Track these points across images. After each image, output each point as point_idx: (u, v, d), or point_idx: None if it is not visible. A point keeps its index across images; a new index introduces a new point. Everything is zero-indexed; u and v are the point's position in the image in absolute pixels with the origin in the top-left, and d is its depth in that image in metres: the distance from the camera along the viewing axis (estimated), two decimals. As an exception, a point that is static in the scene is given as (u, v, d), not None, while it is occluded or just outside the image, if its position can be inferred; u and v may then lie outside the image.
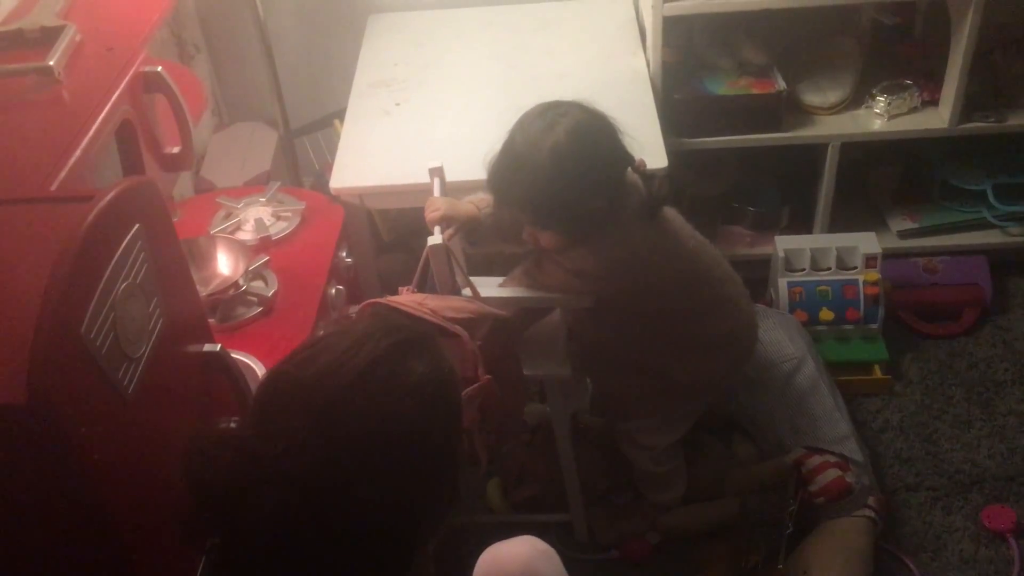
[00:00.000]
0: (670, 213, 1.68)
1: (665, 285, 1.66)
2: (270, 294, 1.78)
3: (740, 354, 1.84)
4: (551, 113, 1.53)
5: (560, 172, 1.50)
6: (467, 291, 1.60)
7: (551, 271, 1.63)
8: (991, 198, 2.39)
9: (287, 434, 0.95)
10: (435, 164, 1.75)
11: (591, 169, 1.53)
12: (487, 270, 1.88)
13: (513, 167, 1.53)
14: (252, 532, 0.95)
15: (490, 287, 1.68)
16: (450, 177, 1.90)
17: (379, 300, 1.46)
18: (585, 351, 1.84)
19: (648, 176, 1.61)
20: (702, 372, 1.78)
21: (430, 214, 1.65)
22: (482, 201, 1.68)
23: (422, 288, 1.61)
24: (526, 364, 1.65)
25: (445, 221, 1.64)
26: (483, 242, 1.74)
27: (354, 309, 1.92)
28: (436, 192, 1.73)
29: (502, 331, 1.46)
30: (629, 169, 1.60)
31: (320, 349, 1.01)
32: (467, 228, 1.69)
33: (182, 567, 1.20)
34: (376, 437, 0.97)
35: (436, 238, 1.56)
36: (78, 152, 1.33)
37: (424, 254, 1.56)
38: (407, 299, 1.46)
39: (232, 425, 1.34)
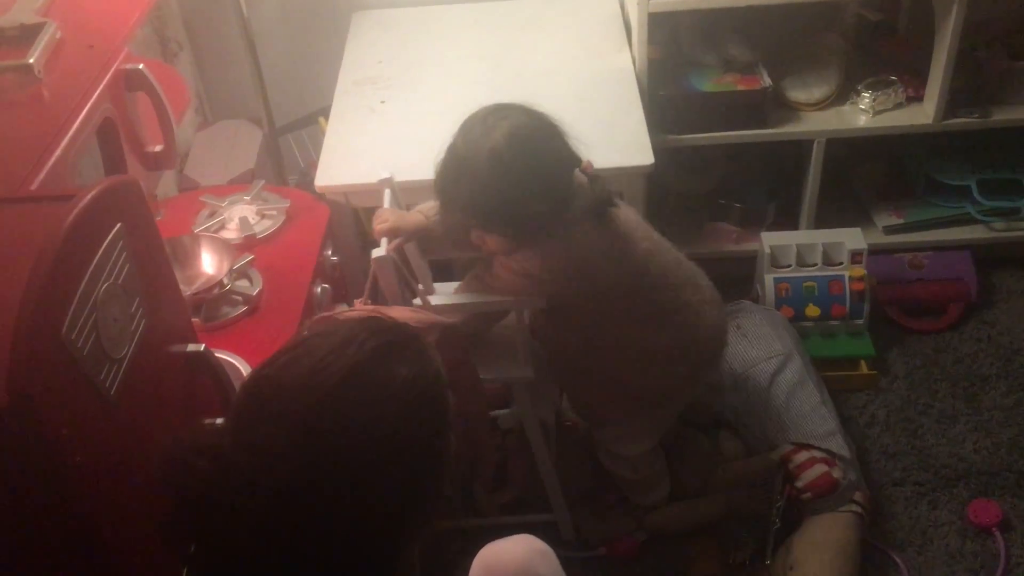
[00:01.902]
0: (624, 214, 1.66)
1: (611, 289, 1.64)
2: (255, 293, 1.77)
3: (700, 364, 1.79)
4: (492, 117, 1.53)
5: (499, 176, 1.50)
6: (418, 300, 1.59)
7: (500, 274, 1.63)
8: (975, 193, 2.40)
9: (265, 443, 0.93)
10: (385, 175, 1.75)
11: (531, 172, 1.52)
12: (447, 275, 1.88)
13: (455, 171, 1.54)
14: (229, 541, 0.94)
15: (442, 294, 1.67)
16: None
17: (328, 315, 1.45)
18: (550, 355, 1.82)
19: (593, 178, 1.60)
20: (656, 381, 1.74)
21: (378, 226, 1.65)
22: (431, 209, 1.68)
23: (375, 300, 1.60)
24: (486, 368, 1.64)
25: (392, 232, 1.64)
26: (435, 250, 1.74)
27: (341, 308, 1.92)
28: (386, 202, 1.72)
29: (452, 339, 1.44)
30: (577, 171, 1.59)
31: (301, 352, 0.99)
32: (416, 237, 1.69)
33: (167, 569, 1.19)
34: (356, 446, 0.95)
35: (381, 250, 1.56)
36: (58, 151, 1.32)
37: (372, 266, 1.56)
38: (357, 312, 1.45)
39: (218, 422, 1.33)
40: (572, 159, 1.58)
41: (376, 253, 1.55)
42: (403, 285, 1.60)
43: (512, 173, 1.50)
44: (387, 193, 1.73)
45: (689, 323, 1.72)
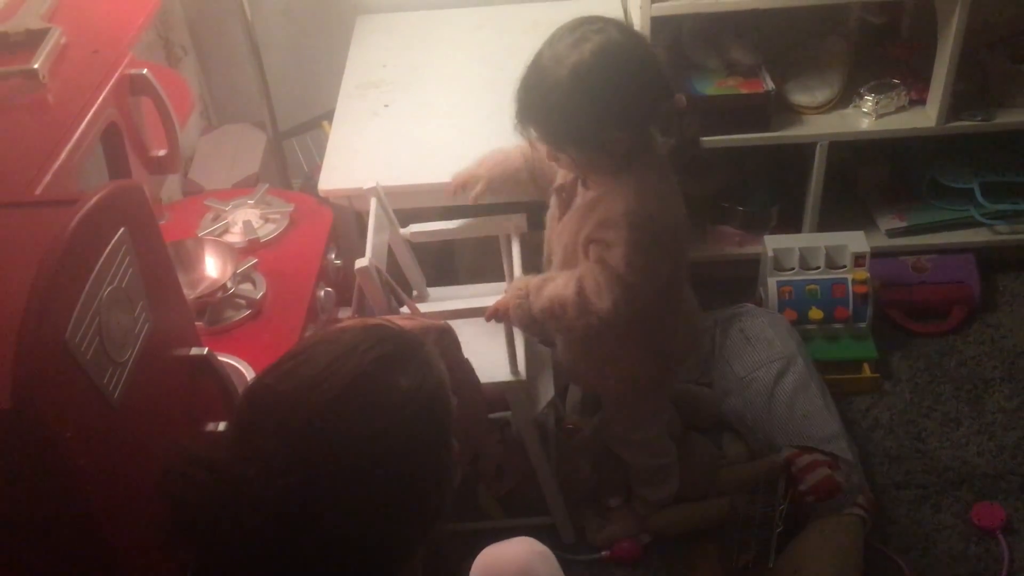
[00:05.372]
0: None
1: (685, 244, 1.61)
2: (258, 297, 1.77)
3: (691, 350, 1.83)
4: (584, 28, 1.44)
5: (578, 93, 1.41)
6: (405, 309, 1.58)
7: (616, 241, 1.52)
8: (979, 196, 2.40)
9: (264, 456, 0.92)
10: (371, 183, 1.74)
11: (613, 96, 1.42)
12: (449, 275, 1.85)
13: (535, 80, 1.46)
14: (228, 553, 0.93)
15: (432, 302, 1.66)
16: (439, 179, 1.89)
17: (333, 322, 1.44)
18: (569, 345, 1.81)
19: (682, 114, 1.51)
20: (681, 345, 1.74)
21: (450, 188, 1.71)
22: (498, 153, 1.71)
23: (362, 311, 1.59)
24: (480, 372, 1.63)
25: (463, 186, 1.67)
26: (513, 190, 1.72)
27: (343, 313, 1.93)
28: (373, 211, 1.70)
29: (447, 341, 1.44)
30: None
31: (302, 361, 0.98)
32: (495, 183, 1.70)
33: (170, 573, 1.19)
34: (356, 458, 0.94)
35: (363, 260, 1.53)
36: (63, 156, 1.33)
37: (356, 278, 1.54)
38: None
39: (220, 428, 1.33)
40: (662, 91, 1.48)
41: (359, 263, 1.52)
42: (389, 294, 1.58)
43: (592, 93, 1.41)
44: (373, 202, 1.72)
45: (688, 304, 1.73)
